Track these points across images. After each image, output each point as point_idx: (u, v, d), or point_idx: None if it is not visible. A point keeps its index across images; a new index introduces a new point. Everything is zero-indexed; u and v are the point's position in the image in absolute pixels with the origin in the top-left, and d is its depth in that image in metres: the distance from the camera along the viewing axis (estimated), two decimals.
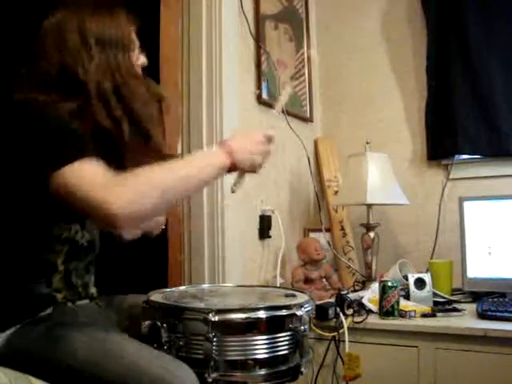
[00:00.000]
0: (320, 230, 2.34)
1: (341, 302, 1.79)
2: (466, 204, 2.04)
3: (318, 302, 1.81)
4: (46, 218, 1.15)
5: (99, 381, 1.04)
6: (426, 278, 1.92)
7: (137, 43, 1.29)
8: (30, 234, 1.15)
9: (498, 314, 1.69)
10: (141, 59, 1.29)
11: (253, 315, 1.17)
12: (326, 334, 1.78)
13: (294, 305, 1.23)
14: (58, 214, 1.15)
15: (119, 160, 1.14)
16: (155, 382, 1.02)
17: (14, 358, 1.06)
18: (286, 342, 1.20)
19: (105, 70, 1.18)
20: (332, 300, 1.85)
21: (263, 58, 2.19)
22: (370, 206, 2.15)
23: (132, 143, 1.18)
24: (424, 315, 1.77)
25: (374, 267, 2.16)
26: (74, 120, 1.10)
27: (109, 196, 0.99)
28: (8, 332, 1.11)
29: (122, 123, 1.16)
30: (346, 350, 1.73)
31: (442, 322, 1.71)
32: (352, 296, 1.87)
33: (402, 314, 1.75)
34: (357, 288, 2.14)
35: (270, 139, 1.29)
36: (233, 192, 1.35)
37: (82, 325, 1.15)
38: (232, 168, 1.21)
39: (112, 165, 1.06)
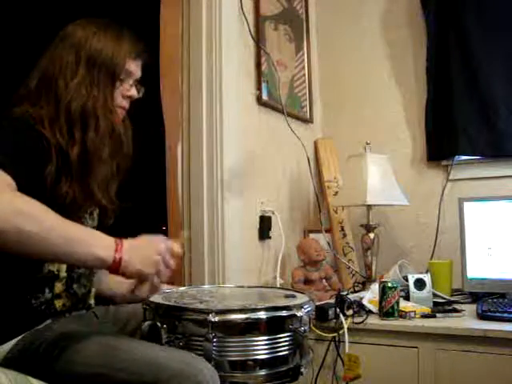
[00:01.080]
0: (320, 231, 2.34)
1: (341, 302, 1.79)
2: (466, 205, 2.04)
3: (318, 303, 1.81)
4: None
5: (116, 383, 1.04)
6: (426, 278, 1.92)
7: (134, 75, 1.28)
8: None
9: (497, 314, 1.69)
10: (131, 92, 1.28)
11: (253, 316, 1.17)
12: (326, 335, 1.78)
13: (294, 306, 1.23)
14: None
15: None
16: (175, 376, 1.02)
17: (17, 369, 1.05)
18: (286, 343, 1.20)
19: (82, 91, 1.18)
20: (332, 301, 1.85)
21: (263, 59, 2.19)
22: (369, 206, 2.15)
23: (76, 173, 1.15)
24: (424, 316, 1.76)
25: (373, 268, 2.16)
26: (34, 132, 1.11)
27: None
28: (7, 345, 1.12)
29: (73, 148, 1.14)
30: (346, 350, 1.73)
31: (441, 322, 1.71)
32: (352, 297, 1.87)
33: (402, 315, 1.75)
34: (357, 289, 2.13)
35: (173, 253, 1.12)
36: (148, 298, 1.20)
37: (87, 332, 1.15)
38: (115, 266, 1.03)
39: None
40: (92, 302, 1.32)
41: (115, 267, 1.02)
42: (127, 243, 1.04)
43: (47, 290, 1.18)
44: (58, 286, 1.20)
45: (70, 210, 1.11)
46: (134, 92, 1.28)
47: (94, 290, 1.33)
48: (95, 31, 1.22)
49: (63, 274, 1.21)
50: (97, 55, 1.20)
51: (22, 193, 0.98)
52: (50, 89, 1.18)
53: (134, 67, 1.27)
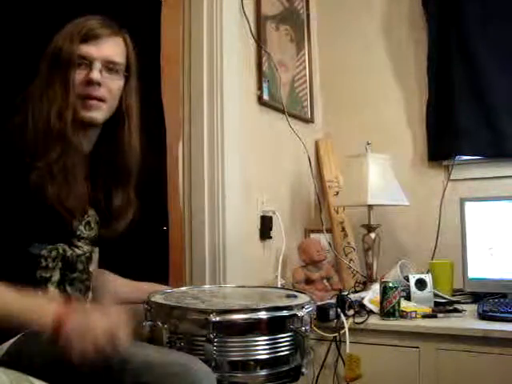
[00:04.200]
0: (321, 231, 2.34)
1: (342, 302, 1.79)
2: (467, 205, 2.04)
3: (319, 303, 1.81)
4: (22, 238, 1.14)
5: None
6: (427, 278, 1.91)
7: (91, 58, 1.18)
8: (11, 256, 1.14)
9: (498, 314, 1.69)
10: (91, 75, 1.17)
11: (254, 316, 1.17)
12: (327, 335, 1.78)
13: (295, 305, 1.23)
14: (35, 234, 1.16)
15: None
16: (170, 377, 1.02)
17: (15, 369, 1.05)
18: (287, 343, 1.20)
19: (38, 93, 1.16)
20: (333, 301, 1.85)
21: (264, 59, 2.19)
22: (370, 206, 2.15)
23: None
24: (425, 316, 1.76)
25: (374, 268, 2.16)
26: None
27: None
28: (3, 346, 1.12)
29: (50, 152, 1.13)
30: (347, 350, 1.73)
31: (442, 322, 1.71)
32: (353, 297, 1.87)
33: (403, 315, 1.75)
34: (358, 289, 2.13)
35: (114, 339, 1.01)
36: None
37: None
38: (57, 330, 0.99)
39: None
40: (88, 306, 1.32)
41: (57, 339, 0.99)
42: (72, 319, 1.00)
43: (40, 293, 1.17)
44: (51, 289, 1.20)
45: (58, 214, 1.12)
46: (93, 75, 1.17)
47: (90, 294, 1.33)
48: (66, 30, 1.20)
49: (56, 277, 1.20)
50: (52, 52, 1.17)
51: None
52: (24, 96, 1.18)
53: (92, 49, 1.18)
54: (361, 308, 1.83)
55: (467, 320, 1.73)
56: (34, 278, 1.17)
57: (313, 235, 2.37)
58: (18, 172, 1.10)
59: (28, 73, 1.21)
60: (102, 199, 1.29)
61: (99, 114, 1.22)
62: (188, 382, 1.01)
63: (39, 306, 1.04)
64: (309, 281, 2.08)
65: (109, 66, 1.21)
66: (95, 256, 1.34)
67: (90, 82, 1.18)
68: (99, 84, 1.19)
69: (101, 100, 1.20)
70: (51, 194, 1.12)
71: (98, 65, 1.18)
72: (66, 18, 1.24)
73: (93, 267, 1.33)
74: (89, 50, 1.18)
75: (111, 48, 1.21)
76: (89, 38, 1.18)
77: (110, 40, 1.22)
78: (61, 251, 1.21)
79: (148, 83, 1.95)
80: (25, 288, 1.14)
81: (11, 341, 1.13)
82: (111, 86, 1.22)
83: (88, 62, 1.18)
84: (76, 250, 1.25)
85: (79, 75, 1.18)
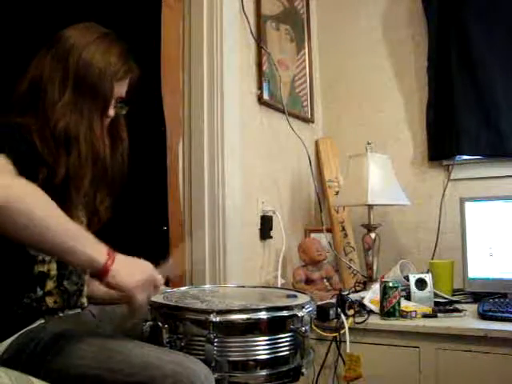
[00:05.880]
0: (321, 231, 2.34)
1: (342, 302, 1.79)
2: (467, 205, 2.04)
3: (319, 303, 1.81)
4: None
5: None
6: (427, 278, 1.91)
7: (117, 96, 1.26)
8: (8, 249, 1.14)
9: (498, 314, 1.69)
10: (110, 112, 1.26)
11: (254, 316, 1.17)
12: (327, 335, 1.78)
13: (295, 305, 1.23)
14: None
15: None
16: (168, 377, 1.02)
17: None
18: (287, 343, 1.20)
19: (67, 114, 1.17)
20: (333, 301, 1.85)
21: (264, 59, 2.19)
22: (371, 206, 2.15)
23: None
24: (425, 316, 1.76)
25: (375, 268, 2.16)
26: (25, 139, 1.12)
27: None
28: (2, 346, 1.12)
29: (59, 170, 1.14)
30: (347, 350, 1.73)
31: (442, 322, 1.71)
32: (353, 296, 1.87)
33: (403, 315, 1.75)
34: (358, 288, 2.14)
35: (156, 284, 1.13)
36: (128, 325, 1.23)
37: (82, 333, 1.15)
38: (103, 273, 1.03)
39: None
40: (84, 300, 1.32)
41: (103, 273, 1.02)
42: (119, 255, 1.05)
43: (38, 289, 1.18)
44: (50, 284, 1.21)
45: None
46: (111, 113, 1.26)
47: (85, 288, 1.33)
48: (87, 42, 1.21)
49: (54, 272, 1.21)
50: (84, 77, 1.19)
51: None
52: (38, 103, 1.17)
53: (118, 88, 1.25)
54: (361, 308, 1.83)
55: (467, 320, 1.73)
56: (33, 273, 1.18)
57: (313, 235, 2.37)
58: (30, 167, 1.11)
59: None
60: (91, 202, 1.30)
61: None
62: (187, 382, 1.02)
63: (94, 241, 1.04)
64: (309, 281, 2.08)
65: (117, 101, 1.29)
66: None
67: (108, 117, 1.27)
68: (111, 117, 1.28)
69: None
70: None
71: (113, 102, 1.26)
72: (65, 17, 1.24)
73: None
74: (120, 89, 1.26)
75: (125, 88, 1.29)
76: (124, 77, 1.26)
77: (127, 79, 1.29)
78: None
79: (148, 83, 1.95)
80: (24, 286, 1.15)
81: (11, 339, 1.13)
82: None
83: (112, 100, 1.25)
84: None
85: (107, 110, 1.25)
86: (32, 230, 0.94)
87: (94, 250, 1.02)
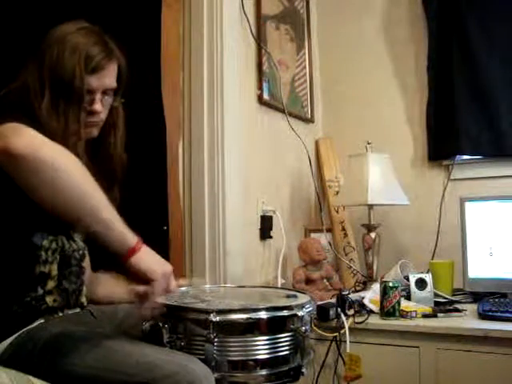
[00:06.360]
0: (321, 231, 2.34)
1: (342, 302, 1.79)
2: (467, 204, 2.04)
3: (319, 303, 1.81)
4: (26, 227, 1.16)
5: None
6: (427, 278, 1.92)
7: (98, 89, 1.22)
8: (13, 245, 1.15)
9: (498, 314, 1.69)
10: (93, 106, 1.22)
11: (254, 316, 1.17)
12: (327, 335, 1.78)
13: (295, 305, 1.23)
14: (38, 223, 1.16)
15: None
16: (168, 377, 1.02)
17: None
18: (287, 343, 1.20)
19: (51, 117, 1.16)
20: (333, 300, 1.85)
21: (264, 59, 2.19)
22: (371, 206, 2.15)
23: None
24: (425, 315, 1.76)
25: (375, 267, 2.16)
26: None
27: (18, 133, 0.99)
28: (2, 345, 1.12)
29: None
30: (347, 350, 1.73)
31: (442, 322, 1.71)
32: (353, 296, 1.87)
33: (403, 315, 1.75)
34: (358, 288, 2.14)
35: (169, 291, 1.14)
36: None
37: (83, 333, 1.15)
38: (130, 254, 1.06)
39: None
40: (84, 300, 1.32)
41: (130, 253, 1.06)
42: (147, 250, 1.10)
43: (39, 288, 1.18)
44: (50, 283, 1.21)
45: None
46: (97, 108, 1.22)
47: (84, 288, 1.33)
48: (61, 38, 1.20)
49: (55, 272, 1.21)
50: (57, 76, 1.17)
51: None
52: (27, 106, 1.16)
53: (97, 80, 1.21)
54: (361, 308, 1.83)
55: (467, 320, 1.73)
56: (33, 273, 1.18)
57: (313, 235, 2.37)
58: None
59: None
60: None
61: (96, 130, 1.28)
62: (187, 382, 1.02)
63: (124, 227, 1.07)
64: (309, 281, 2.08)
65: (106, 92, 1.26)
66: (87, 254, 1.35)
67: (92, 112, 1.24)
68: (100, 112, 1.25)
69: (99, 122, 1.28)
70: None
71: (99, 96, 1.23)
72: (65, 16, 1.25)
73: (85, 264, 1.34)
74: (93, 82, 1.21)
75: (110, 78, 1.26)
76: (95, 71, 1.21)
77: (110, 68, 1.25)
78: (60, 244, 1.22)
79: (148, 83, 1.95)
80: (26, 285, 1.15)
81: (11, 339, 1.13)
82: (105, 105, 1.27)
83: (90, 93, 1.22)
84: (73, 244, 1.27)
85: (85, 104, 1.22)
86: (69, 192, 1.00)
87: (126, 229, 1.06)
